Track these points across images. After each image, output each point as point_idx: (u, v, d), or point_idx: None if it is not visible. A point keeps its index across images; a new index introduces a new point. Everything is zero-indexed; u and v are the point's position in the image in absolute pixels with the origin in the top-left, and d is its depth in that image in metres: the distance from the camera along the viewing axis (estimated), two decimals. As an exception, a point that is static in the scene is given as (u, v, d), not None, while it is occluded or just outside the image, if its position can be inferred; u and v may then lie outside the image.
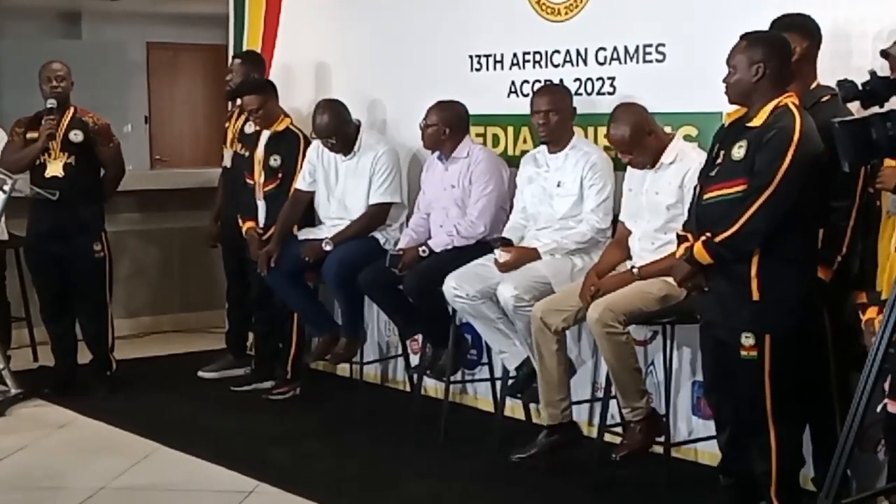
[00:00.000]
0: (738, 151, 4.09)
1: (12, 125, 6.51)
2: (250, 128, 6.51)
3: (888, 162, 3.85)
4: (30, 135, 6.36)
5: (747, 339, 4.08)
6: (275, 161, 6.32)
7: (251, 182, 6.42)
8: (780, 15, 4.41)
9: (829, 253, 4.20)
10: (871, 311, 3.77)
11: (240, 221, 6.48)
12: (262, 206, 6.38)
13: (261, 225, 6.35)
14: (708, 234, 4.10)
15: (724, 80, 4.20)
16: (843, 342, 4.22)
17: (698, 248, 4.13)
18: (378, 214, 6.09)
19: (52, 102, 6.27)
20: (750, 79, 4.11)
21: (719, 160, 4.17)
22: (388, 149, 6.12)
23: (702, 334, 4.40)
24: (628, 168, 5.02)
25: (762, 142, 4.02)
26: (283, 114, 6.41)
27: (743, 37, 4.18)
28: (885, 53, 3.99)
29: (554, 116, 5.24)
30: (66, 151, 6.29)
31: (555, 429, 5.06)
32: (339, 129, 6.08)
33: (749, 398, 4.15)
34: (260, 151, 6.37)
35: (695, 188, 4.33)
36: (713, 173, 4.19)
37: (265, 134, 6.37)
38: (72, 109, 6.38)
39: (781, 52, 4.13)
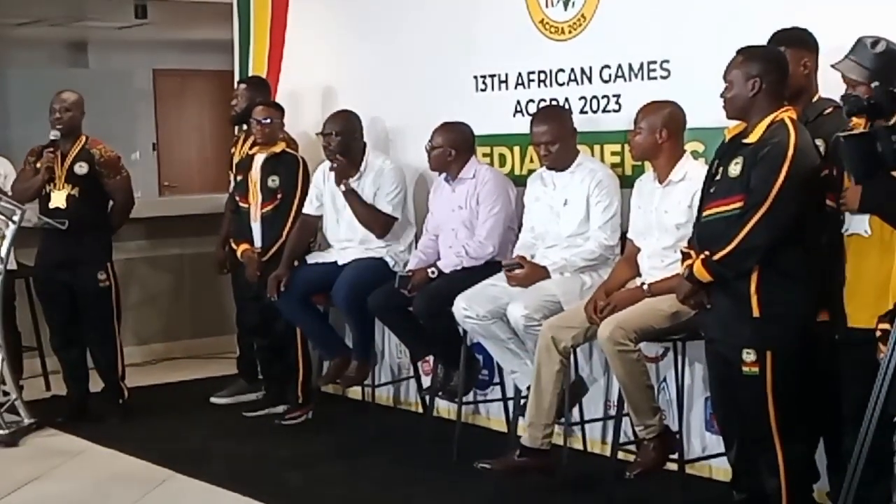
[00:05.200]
0: (735, 168, 4.10)
1: (27, 153, 6.53)
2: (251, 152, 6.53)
3: (847, 182, 3.84)
4: (39, 164, 6.38)
5: (748, 356, 4.09)
6: (273, 182, 6.33)
7: (245, 205, 6.44)
8: (778, 29, 4.42)
9: None
10: (884, 325, 3.73)
11: (233, 244, 6.50)
12: (257, 227, 6.38)
13: (256, 247, 6.35)
14: (707, 253, 4.11)
15: (722, 95, 4.21)
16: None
17: (697, 266, 4.14)
18: (383, 225, 6.06)
19: (54, 134, 6.29)
20: (746, 94, 4.12)
21: (718, 177, 4.19)
22: (394, 166, 6.13)
23: (706, 351, 4.40)
24: (636, 185, 5.03)
25: (757, 158, 4.03)
26: (281, 138, 6.44)
27: (739, 51, 4.20)
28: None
29: (555, 146, 5.26)
30: (70, 183, 6.31)
31: (528, 451, 5.01)
32: (344, 134, 6.09)
33: (753, 414, 4.15)
34: (256, 173, 6.39)
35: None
36: (712, 190, 4.20)
37: (259, 157, 6.39)
38: (82, 140, 6.38)
39: (778, 66, 4.14)
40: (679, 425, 4.87)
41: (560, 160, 5.28)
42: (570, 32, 5.64)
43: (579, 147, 5.37)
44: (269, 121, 6.32)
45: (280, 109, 6.47)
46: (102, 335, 6.47)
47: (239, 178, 6.52)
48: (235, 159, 6.77)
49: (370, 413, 6.26)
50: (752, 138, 4.09)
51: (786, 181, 3.96)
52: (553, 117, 5.37)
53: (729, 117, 4.23)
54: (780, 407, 4.09)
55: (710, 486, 5.03)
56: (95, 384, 6.59)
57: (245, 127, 6.73)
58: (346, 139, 6.11)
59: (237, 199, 6.51)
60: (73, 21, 11.91)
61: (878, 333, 3.63)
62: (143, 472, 5.59)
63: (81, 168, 6.33)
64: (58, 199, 6.31)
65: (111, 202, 6.50)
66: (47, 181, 6.30)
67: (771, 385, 4.07)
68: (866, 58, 3.96)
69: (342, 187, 6.03)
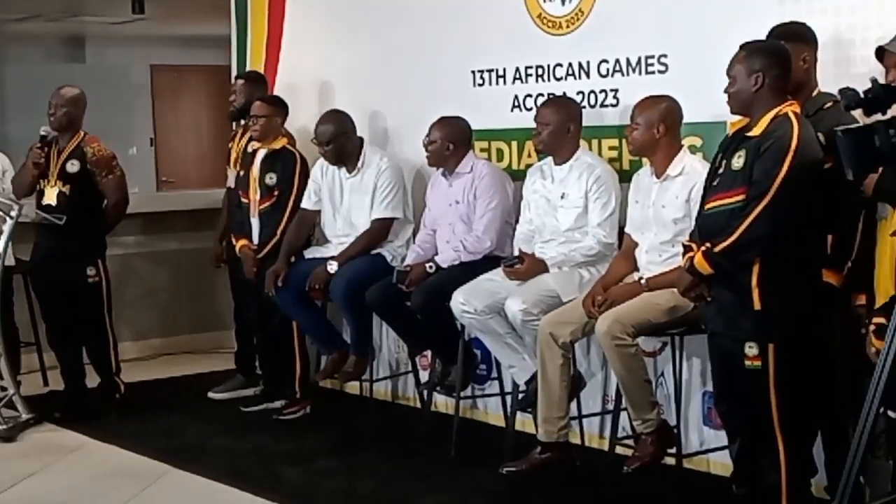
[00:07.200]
0: (738, 161, 4.10)
1: (28, 149, 6.51)
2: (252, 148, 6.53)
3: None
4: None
5: (751, 349, 4.09)
6: (270, 179, 6.33)
7: (246, 200, 6.44)
8: (776, 24, 4.42)
9: (839, 258, 4.19)
10: (879, 319, 3.73)
11: (233, 239, 6.50)
12: (255, 223, 6.38)
13: (254, 243, 6.36)
14: (708, 245, 4.11)
15: (725, 91, 4.21)
16: (854, 347, 4.20)
17: (698, 258, 4.15)
18: (380, 230, 6.09)
19: (45, 130, 6.28)
20: (750, 88, 4.12)
21: (721, 170, 4.19)
22: (391, 164, 6.13)
23: (709, 344, 4.40)
24: (633, 179, 5.03)
25: (760, 151, 4.03)
26: (283, 134, 6.43)
27: (742, 47, 4.20)
28: (881, 51, 3.95)
29: (545, 129, 5.24)
30: (61, 180, 6.29)
31: (548, 447, 5.04)
32: (337, 139, 6.09)
33: (755, 407, 4.14)
34: (256, 169, 6.39)
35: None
36: (715, 183, 4.21)
37: (261, 153, 6.39)
38: (79, 136, 6.37)
39: (781, 60, 4.14)
40: (677, 420, 4.87)
41: (549, 146, 5.27)
42: (567, 27, 5.64)
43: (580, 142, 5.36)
44: (260, 117, 6.31)
45: (278, 105, 6.45)
46: (93, 330, 6.46)
47: (241, 173, 6.52)
48: (233, 154, 6.77)
49: (368, 408, 6.26)
50: (756, 131, 4.10)
51: (788, 174, 3.96)
52: (557, 103, 5.38)
53: (733, 112, 4.24)
54: (782, 400, 4.09)
55: (708, 481, 5.04)
56: (93, 379, 6.58)
57: (243, 122, 6.73)
58: (338, 144, 6.11)
59: (239, 193, 6.51)
60: (70, 16, 11.92)
61: (873, 327, 3.63)
62: (140, 468, 5.59)
63: (73, 166, 6.31)
64: (50, 195, 6.31)
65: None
66: (40, 177, 6.31)
67: (774, 378, 4.07)
68: None
69: (331, 268, 5.99)
